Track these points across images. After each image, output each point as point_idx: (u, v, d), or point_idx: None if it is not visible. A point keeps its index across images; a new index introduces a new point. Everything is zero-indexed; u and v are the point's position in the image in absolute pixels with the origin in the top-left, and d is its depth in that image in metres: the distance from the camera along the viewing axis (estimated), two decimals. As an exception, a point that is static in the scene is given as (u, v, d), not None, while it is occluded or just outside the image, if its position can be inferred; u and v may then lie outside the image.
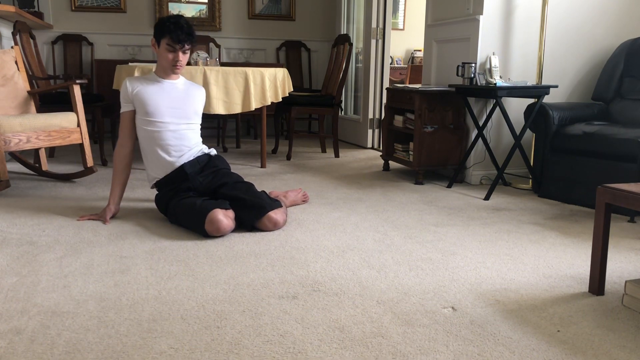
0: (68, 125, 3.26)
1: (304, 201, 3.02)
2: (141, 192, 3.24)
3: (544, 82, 3.63)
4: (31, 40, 4.40)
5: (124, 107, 2.64)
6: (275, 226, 2.49)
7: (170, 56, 2.55)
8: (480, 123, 3.58)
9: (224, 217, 2.36)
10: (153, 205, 2.93)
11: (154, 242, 2.32)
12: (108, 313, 1.64)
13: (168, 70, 2.62)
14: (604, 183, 1.97)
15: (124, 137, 2.67)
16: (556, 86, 3.38)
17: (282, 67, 5.36)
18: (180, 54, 2.56)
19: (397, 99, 3.89)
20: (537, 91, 3.29)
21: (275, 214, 2.48)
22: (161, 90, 2.64)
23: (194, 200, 2.46)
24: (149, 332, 1.52)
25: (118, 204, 2.68)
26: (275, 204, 2.53)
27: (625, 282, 1.77)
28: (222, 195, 2.54)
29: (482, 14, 3.54)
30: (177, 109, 2.64)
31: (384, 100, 4.73)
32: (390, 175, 3.95)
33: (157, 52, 2.60)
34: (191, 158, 2.63)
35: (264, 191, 2.65)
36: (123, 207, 2.87)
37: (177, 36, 2.50)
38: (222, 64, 5.43)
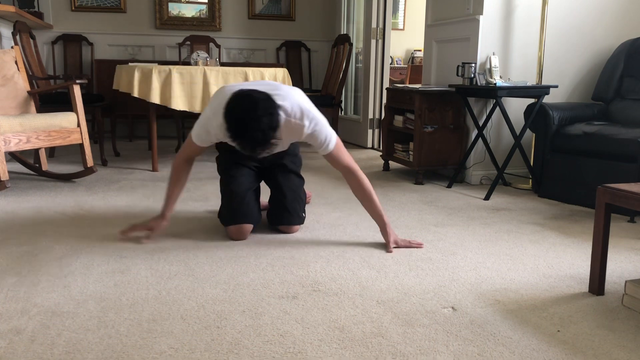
0: (68, 125, 3.26)
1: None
2: (141, 192, 3.24)
3: (544, 82, 3.63)
4: (31, 40, 4.40)
5: (199, 141, 2.22)
6: (289, 232, 2.52)
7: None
8: (480, 123, 3.58)
9: (244, 233, 2.38)
10: (153, 205, 2.94)
11: (154, 242, 2.32)
12: (108, 313, 1.64)
13: None
14: (604, 183, 1.97)
15: (190, 156, 2.32)
16: (556, 86, 3.38)
17: (282, 67, 5.36)
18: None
19: (397, 99, 3.89)
20: (537, 91, 3.29)
21: (296, 228, 2.52)
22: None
23: (235, 187, 2.33)
24: (149, 332, 1.52)
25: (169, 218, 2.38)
26: (302, 218, 2.52)
27: (625, 282, 1.76)
28: (272, 177, 2.46)
29: (482, 14, 3.54)
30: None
31: (384, 100, 4.74)
32: (390, 175, 3.95)
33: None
34: None
35: (304, 193, 2.54)
36: (123, 207, 2.87)
37: (250, 153, 1.97)
38: (222, 64, 5.43)
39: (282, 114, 2.02)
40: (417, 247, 2.32)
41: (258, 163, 2.46)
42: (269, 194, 2.54)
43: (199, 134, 2.20)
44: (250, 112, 1.87)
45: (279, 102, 2.03)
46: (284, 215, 2.47)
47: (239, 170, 2.41)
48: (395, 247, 2.29)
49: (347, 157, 2.26)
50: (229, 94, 2.04)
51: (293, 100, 2.11)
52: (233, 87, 2.14)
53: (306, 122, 2.12)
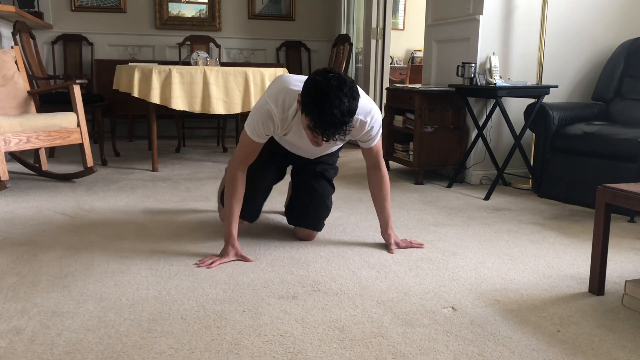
0: (68, 125, 3.26)
1: None
2: (141, 192, 3.24)
3: (544, 82, 3.63)
4: (31, 40, 4.40)
5: (256, 136, 2.06)
6: (306, 238, 2.42)
7: (310, 135, 1.89)
8: (480, 123, 3.58)
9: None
10: (153, 205, 2.94)
11: (154, 242, 2.32)
12: (108, 313, 1.64)
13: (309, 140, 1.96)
14: (604, 183, 1.97)
15: (247, 159, 2.13)
16: (556, 86, 3.38)
17: (282, 67, 5.36)
18: (324, 141, 1.86)
19: (397, 99, 3.89)
20: (537, 91, 3.29)
21: (314, 235, 2.43)
22: (302, 137, 2.12)
23: (253, 179, 2.23)
24: (149, 332, 1.52)
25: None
26: (322, 226, 2.43)
27: (625, 282, 1.76)
28: (304, 177, 2.37)
29: (482, 14, 3.54)
30: (321, 149, 2.26)
31: (384, 100, 4.73)
32: (390, 175, 3.94)
33: (301, 112, 1.87)
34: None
35: (331, 203, 2.44)
36: (123, 207, 2.87)
37: (322, 131, 1.80)
38: (222, 64, 5.43)
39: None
40: (417, 248, 2.31)
41: (293, 164, 2.39)
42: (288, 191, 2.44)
43: (255, 127, 2.03)
44: (338, 89, 1.75)
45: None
46: (307, 219, 2.36)
47: (265, 165, 2.30)
48: (396, 248, 2.29)
49: (381, 155, 2.26)
50: (288, 80, 2.01)
51: (372, 107, 2.06)
52: (291, 76, 2.08)
53: (368, 119, 2.05)
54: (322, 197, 2.37)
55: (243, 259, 2.11)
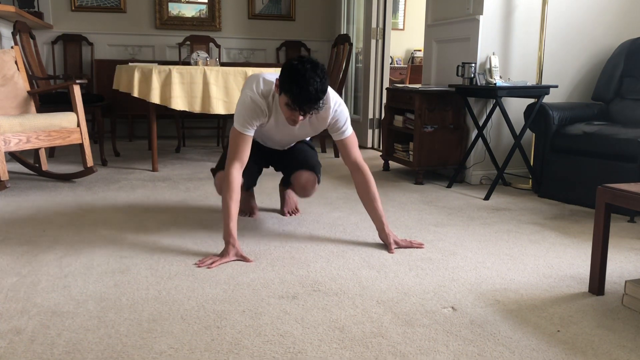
0: (68, 125, 3.26)
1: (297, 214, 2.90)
2: (141, 192, 3.24)
3: (544, 82, 3.63)
4: (31, 40, 4.40)
5: (245, 129, 2.20)
6: (306, 184, 2.48)
7: (287, 112, 2.08)
8: (480, 123, 3.58)
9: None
10: (153, 205, 2.94)
11: (154, 242, 2.32)
12: (108, 313, 1.64)
13: (286, 119, 2.16)
14: (604, 183, 1.97)
15: (241, 157, 2.21)
16: (556, 86, 3.38)
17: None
18: (300, 116, 2.07)
19: (397, 99, 3.89)
20: (537, 91, 3.29)
21: (311, 184, 2.48)
22: (276, 125, 2.30)
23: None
24: (149, 332, 1.52)
25: None
26: (319, 178, 2.54)
27: (625, 282, 1.77)
28: (282, 160, 2.60)
29: (482, 14, 3.54)
30: (291, 135, 2.41)
31: (384, 100, 4.73)
32: (390, 175, 3.95)
33: (278, 94, 2.10)
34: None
35: (317, 156, 2.67)
36: (123, 207, 2.87)
37: (300, 106, 2.01)
38: (222, 64, 5.43)
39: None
40: (418, 247, 2.32)
41: (270, 161, 2.62)
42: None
43: (244, 119, 2.17)
44: (312, 71, 1.99)
45: None
46: (301, 166, 2.49)
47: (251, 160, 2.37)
48: (396, 248, 2.29)
49: (359, 152, 2.35)
50: (259, 75, 2.24)
51: (335, 95, 2.28)
52: (260, 73, 2.28)
53: (331, 104, 2.23)
54: (307, 149, 2.57)
55: (243, 259, 2.11)
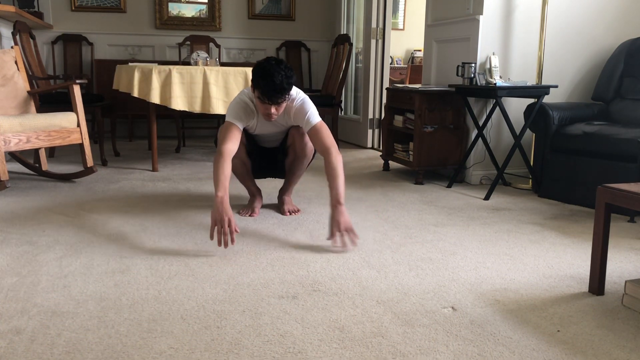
0: (68, 125, 3.26)
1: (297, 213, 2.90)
2: (141, 192, 3.24)
3: (544, 82, 3.63)
4: (31, 40, 4.40)
5: (237, 119, 2.47)
6: (305, 136, 2.61)
7: (262, 108, 2.41)
8: (480, 123, 3.58)
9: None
10: (153, 205, 2.94)
11: (154, 242, 2.32)
12: (108, 313, 1.64)
13: (263, 116, 2.48)
14: (604, 183, 1.97)
15: (232, 141, 2.43)
16: (556, 86, 3.38)
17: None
18: (273, 108, 2.39)
19: (397, 99, 3.89)
20: (537, 91, 3.29)
21: (297, 132, 2.61)
22: (261, 122, 2.58)
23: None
24: (149, 332, 1.52)
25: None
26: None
27: (625, 282, 1.77)
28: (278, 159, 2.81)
29: (482, 14, 3.54)
30: (274, 132, 2.67)
31: (384, 100, 4.73)
32: (390, 175, 3.95)
33: (253, 92, 2.42)
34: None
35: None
36: (123, 207, 2.87)
37: (268, 96, 2.33)
38: (222, 64, 5.43)
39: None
40: (352, 237, 2.26)
41: (270, 169, 2.85)
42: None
43: (236, 112, 2.48)
44: (276, 66, 2.33)
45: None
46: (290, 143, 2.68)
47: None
48: (338, 234, 2.24)
49: (329, 139, 2.46)
50: (244, 89, 2.59)
51: (299, 91, 2.57)
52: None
53: (297, 99, 2.52)
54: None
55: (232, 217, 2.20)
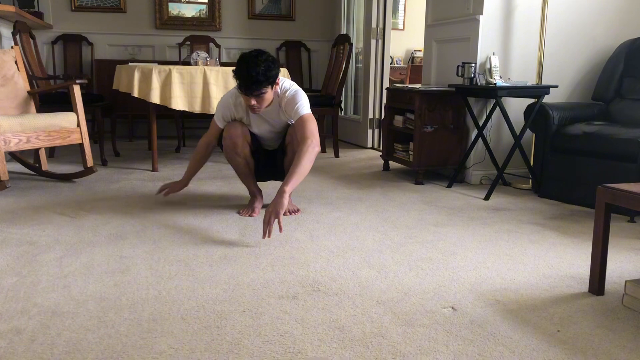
0: (68, 125, 3.26)
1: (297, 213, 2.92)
2: (141, 192, 3.24)
3: (544, 82, 3.63)
4: (31, 40, 4.40)
5: (220, 121, 2.70)
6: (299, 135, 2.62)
7: (244, 99, 2.47)
8: (480, 123, 3.58)
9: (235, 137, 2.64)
10: (153, 205, 2.94)
11: (154, 242, 2.32)
12: (108, 313, 1.64)
13: (249, 109, 2.54)
14: (604, 183, 1.97)
15: (211, 139, 2.77)
16: (556, 86, 3.38)
17: (282, 67, 5.35)
18: (253, 100, 2.44)
19: (397, 99, 3.89)
20: (537, 91, 3.29)
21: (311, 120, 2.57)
22: (253, 117, 2.66)
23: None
24: (149, 332, 1.52)
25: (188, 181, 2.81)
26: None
27: (625, 282, 1.77)
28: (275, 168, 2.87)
29: (482, 14, 3.54)
30: (270, 130, 2.71)
31: (384, 100, 4.73)
32: (390, 175, 3.95)
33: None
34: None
35: None
36: (123, 207, 2.87)
37: (243, 88, 2.40)
38: (222, 64, 5.43)
39: (279, 84, 2.51)
40: (278, 226, 2.25)
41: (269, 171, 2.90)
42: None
43: (219, 113, 2.68)
44: (254, 58, 2.37)
45: (282, 80, 2.55)
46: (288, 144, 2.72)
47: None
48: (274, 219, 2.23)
49: (312, 131, 2.46)
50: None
51: (293, 84, 2.61)
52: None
53: (289, 90, 2.56)
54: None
55: (172, 188, 2.76)
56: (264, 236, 2.23)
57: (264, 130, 2.70)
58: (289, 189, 2.27)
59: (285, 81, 2.59)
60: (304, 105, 2.53)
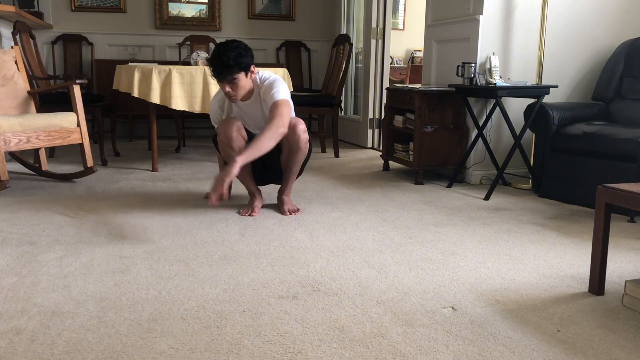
0: (68, 125, 3.26)
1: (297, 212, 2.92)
2: (141, 192, 3.24)
3: (544, 82, 3.63)
4: (31, 40, 4.40)
5: (217, 121, 2.80)
6: (295, 127, 2.62)
7: (221, 87, 2.55)
8: (480, 123, 3.58)
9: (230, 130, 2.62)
10: (153, 205, 2.94)
11: (154, 242, 2.32)
12: (108, 313, 1.64)
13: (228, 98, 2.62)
14: (604, 183, 1.97)
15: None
16: (556, 86, 3.38)
17: (282, 67, 5.36)
18: (227, 86, 2.51)
19: (397, 99, 3.89)
20: (537, 91, 3.29)
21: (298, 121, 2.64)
22: (239, 110, 2.74)
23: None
24: (149, 332, 1.52)
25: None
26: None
27: (625, 282, 1.77)
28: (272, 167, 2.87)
29: (482, 14, 3.54)
30: (254, 122, 2.76)
31: (384, 100, 4.73)
32: (390, 175, 3.95)
33: None
34: None
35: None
36: (123, 208, 2.87)
37: (214, 73, 2.48)
38: (222, 64, 5.42)
39: (257, 74, 2.62)
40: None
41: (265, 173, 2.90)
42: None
43: (215, 115, 2.78)
44: (226, 44, 2.47)
45: (263, 72, 2.65)
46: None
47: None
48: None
49: (283, 114, 2.47)
50: None
51: (274, 76, 2.65)
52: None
53: (268, 79, 2.61)
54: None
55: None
56: (209, 202, 2.27)
57: (253, 127, 2.74)
58: (240, 159, 2.31)
59: (265, 73, 2.66)
60: (279, 91, 2.55)
